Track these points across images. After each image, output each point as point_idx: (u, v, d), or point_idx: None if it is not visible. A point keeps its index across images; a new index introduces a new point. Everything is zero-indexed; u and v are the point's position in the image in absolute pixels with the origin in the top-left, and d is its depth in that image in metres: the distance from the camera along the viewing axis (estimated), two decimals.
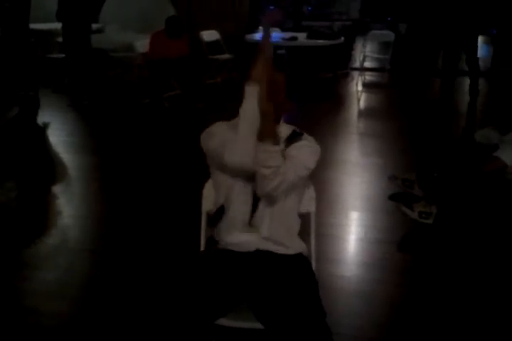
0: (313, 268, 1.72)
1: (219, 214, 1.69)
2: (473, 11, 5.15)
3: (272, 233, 1.63)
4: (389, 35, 6.96)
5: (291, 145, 1.64)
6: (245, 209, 1.63)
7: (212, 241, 1.74)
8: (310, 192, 1.84)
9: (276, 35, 6.92)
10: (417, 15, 9.57)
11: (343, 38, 6.62)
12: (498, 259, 2.66)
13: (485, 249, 2.74)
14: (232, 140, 1.55)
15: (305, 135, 1.71)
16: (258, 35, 7.04)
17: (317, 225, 1.87)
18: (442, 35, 5.71)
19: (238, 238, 1.64)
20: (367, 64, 7.53)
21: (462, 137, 3.20)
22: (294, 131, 1.71)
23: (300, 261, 1.66)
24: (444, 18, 5.47)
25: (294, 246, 1.68)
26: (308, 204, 1.83)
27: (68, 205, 3.34)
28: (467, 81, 5.83)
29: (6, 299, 2.32)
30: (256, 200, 1.62)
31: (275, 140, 1.54)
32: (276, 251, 1.63)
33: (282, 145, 1.62)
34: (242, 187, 1.63)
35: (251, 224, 1.63)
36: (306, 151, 1.64)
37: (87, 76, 5.84)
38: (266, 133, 1.52)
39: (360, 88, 6.96)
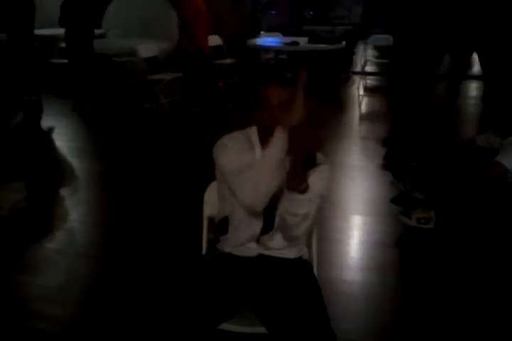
0: (315, 272, 1.73)
1: (223, 226, 1.66)
2: (487, 12, 5.02)
3: (280, 246, 1.63)
4: (390, 40, 6.96)
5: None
6: (256, 228, 1.59)
7: (213, 244, 1.75)
8: None
9: (278, 40, 6.95)
10: (418, 19, 9.53)
11: (344, 43, 6.64)
12: (501, 263, 2.66)
13: (487, 252, 2.75)
14: (248, 178, 1.44)
15: (318, 155, 1.54)
16: (260, 40, 7.08)
17: (319, 229, 1.87)
18: (450, 37, 5.57)
19: (243, 252, 1.64)
20: (368, 68, 7.54)
21: (466, 141, 3.20)
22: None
23: (301, 264, 1.68)
24: (455, 19, 5.35)
25: (295, 250, 1.68)
26: None
27: (71, 210, 3.36)
28: (470, 85, 5.80)
29: (7, 303, 2.33)
30: (265, 218, 1.56)
31: (304, 188, 1.40)
32: (278, 256, 1.64)
33: None
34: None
35: (258, 239, 1.62)
36: (320, 179, 1.51)
37: (90, 81, 5.88)
38: (294, 184, 1.39)
39: (361, 92, 6.97)
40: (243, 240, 1.62)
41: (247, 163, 1.49)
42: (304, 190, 1.40)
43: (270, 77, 1.54)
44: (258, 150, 1.57)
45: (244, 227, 1.60)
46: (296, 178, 1.38)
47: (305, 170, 1.39)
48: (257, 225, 1.59)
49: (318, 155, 1.56)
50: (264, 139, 1.49)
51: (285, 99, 1.47)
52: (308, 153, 1.37)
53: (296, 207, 1.43)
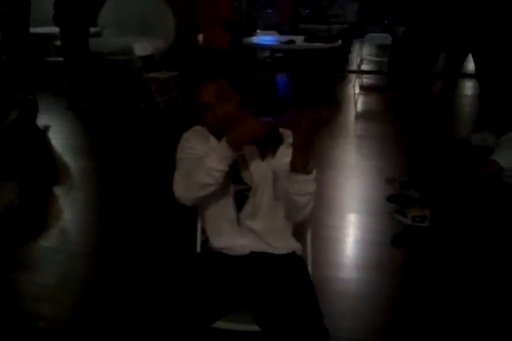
0: (310, 271, 1.73)
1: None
2: (484, 12, 5.01)
3: (266, 227, 1.62)
4: (386, 38, 6.98)
5: (276, 152, 1.53)
6: (231, 214, 1.61)
7: (207, 243, 1.75)
8: None
9: (274, 38, 6.94)
10: (416, 17, 9.56)
11: (340, 41, 6.63)
12: (497, 261, 2.67)
13: (482, 250, 2.75)
14: (189, 174, 1.47)
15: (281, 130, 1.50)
16: (256, 39, 7.06)
17: (314, 227, 1.87)
18: (446, 36, 5.56)
19: (231, 242, 1.64)
20: (364, 67, 7.55)
21: (461, 140, 3.21)
22: (271, 131, 1.44)
23: (294, 260, 1.67)
24: (451, 19, 5.34)
25: (287, 244, 1.68)
26: None
27: (66, 208, 3.35)
28: (466, 83, 5.81)
29: (2, 302, 2.32)
30: (238, 200, 1.59)
31: (309, 168, 1.40)
32: (271, 252, 1.64)
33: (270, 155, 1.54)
34: (220, 193, 1.54)
35: (240, 225, 1.62)
36: None
37: (85, 79, 5.86)
38: (299, 165, 1.39)
39: (357, 90, 6.97)
40: (225, 230, 1.63)
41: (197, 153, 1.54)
42: (310, 170, 1.40)
43: (197, 79, 1.52)
44: (213, 141, 1.56)
45: (219, 215, 1.62)
46: (303, 159, 1.38)
47: (309, 150, 1.37)
48: (229, 208, 1.60)
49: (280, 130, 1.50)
50: (218, 135, 1.52)
51: (219, 92, 1.47)
52: (313, 133, 1.33)
53: (306, 187, 1.43)
